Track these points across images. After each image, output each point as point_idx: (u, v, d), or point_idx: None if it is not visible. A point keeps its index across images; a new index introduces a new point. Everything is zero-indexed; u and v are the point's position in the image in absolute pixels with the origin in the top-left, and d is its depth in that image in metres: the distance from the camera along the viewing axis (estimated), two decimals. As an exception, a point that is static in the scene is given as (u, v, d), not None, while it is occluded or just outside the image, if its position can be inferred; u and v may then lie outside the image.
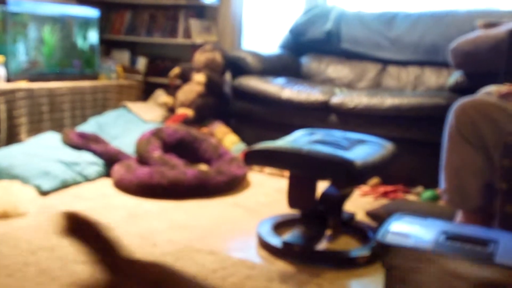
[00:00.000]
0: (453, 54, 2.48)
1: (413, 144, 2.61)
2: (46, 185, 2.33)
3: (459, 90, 2.51)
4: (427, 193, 2.46)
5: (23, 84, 2.91)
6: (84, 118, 3.23)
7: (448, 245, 1.16)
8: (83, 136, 2.79)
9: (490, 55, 2.26)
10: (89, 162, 2.60)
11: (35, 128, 2.94)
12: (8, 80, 2.89)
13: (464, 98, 1.69)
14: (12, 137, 2.79)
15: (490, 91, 1.77)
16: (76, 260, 1.66)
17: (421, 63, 3.18)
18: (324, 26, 3.47)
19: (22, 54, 2.99)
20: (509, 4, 3.28)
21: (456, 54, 2.46)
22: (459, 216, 1.74)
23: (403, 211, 2.01)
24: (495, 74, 1.97)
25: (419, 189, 2.58)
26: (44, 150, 2.60)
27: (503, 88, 1.73)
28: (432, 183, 2.49)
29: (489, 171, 1.61)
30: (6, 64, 2.87)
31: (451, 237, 1.20)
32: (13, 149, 2.57)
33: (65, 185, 2.42)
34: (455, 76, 2.63)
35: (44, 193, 2.32)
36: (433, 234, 1.22)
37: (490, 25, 2.60)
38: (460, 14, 3.09)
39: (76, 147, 2.70)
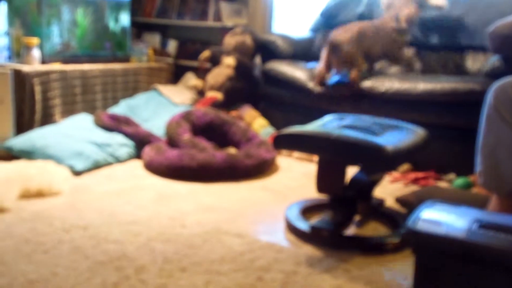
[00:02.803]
0: (491, 37, 2.39)
1: (446, 130, 2.55)
2: (79, 165, 2.38)
3: (496, 75, 2.42)
4: (460, 181, 2.41)
5: (57, 66, 2.97)
6: (115, 100, 3.28)
7: (481, 233, 1.14)
8: (114, 118, 2.84)
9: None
10: (120, 143, 2.64)
11: (69, 110, 3.01)
12: (43, 62, 2.94)
13: (505, 78, 1.65)
14: (46, 118, 2.86)
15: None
16: (108, 239, 1.70)
17: (456, 47, 3.09)
18: (357, 9, 3.40)
19: (56, 36, 3.04)
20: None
21: (494, 38, 2.38)
22: (493, 201, 1.71)
23: (434, 198, 1.98)
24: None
25: (451, 176, 2.53)
26: (77, 131, 2.65)
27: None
28: (464, 170, 2.44)
29: None
30: (40, 46, 2.93)
31: (485, 225, 1.17)
32: (48, 129, 2.64)
33: (97, 165, 2.47)
34: (492, 61, 2.55)
35: (77, 173, 2.37)
36: (466, 222, 1.19)
37: (530, 7, 2.50)
38: (499, -4, 2.98)
39: (107, 128, 2.75)
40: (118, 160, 2.59)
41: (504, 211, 1.64)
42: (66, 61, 3.08)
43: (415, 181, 2.49)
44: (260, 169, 2.53)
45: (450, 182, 2.49)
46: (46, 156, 2.41)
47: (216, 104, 3.18)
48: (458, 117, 2.53)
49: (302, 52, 3.30)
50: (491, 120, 1.64)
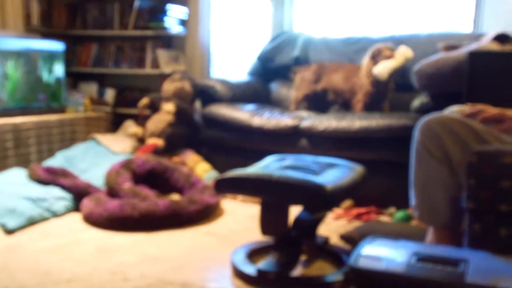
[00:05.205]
0: (417, 76, 2.54)
1: (383, 165, 2.64)
2: (11, 223, 2.25)
3: (425, 111, 2.55)
4: (400, 214, 2.48)
5: (-14, 120, 2.85)
6: (51, 153, 3.17)
7: (420, 266, 1.16)
8: (50, 170, 2.73)
9: (452, 77, 2.32)
10: (57, 197, 2.53)
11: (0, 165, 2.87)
12: (-29, 116, 2.82)
13: (429, 114, 1.73)
14: (-25, 175, 2.71)
15: (453, 111, 1.81)
16: (43, 300, 1.60)
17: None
18: (292, 52, 3.52)
19: (-15, 89, 2.93)
20: (468, 27, 3.41)
21: (419, 76, 2.52)
22: (430, 234, 1.76)
23: (376, 233, 2.02)
24: (458, 95, 2.02)
25: (392, 209, 2.60)
26: (9, 187, 2.52)
27: (466, 108, 1.77)
28: (404, 203, 2.51)
29: (455, 186, 1.63)
30: (-32, 100, 2.81)
31: (422, 258, 1.20)
32: (-23, 187, 2.49)
33: (32, 222, 2.34)
34: (420, 98, 2.69)
35: (9, 231, 2.24)
36: (405, 256, 1.22)
37: (451, 47, 2.68)
38: (422, 38, 3.18)
39: (43, 182, 2.63)
40: (55, 215, 2.48)
41: (441, 243, 1.69)
42: (-4, 114, 2.96)
43: (357, 216, 2.54)
44: (204, 214, 2.49)
45: (391, 215, 2.56)
46: (-25, 215, 2.26)
47: (157, 151, 3.14)
48: (394, 152, 2.62)
49: (241, 95, 3.35)
50: (420, 156, 1.70)
